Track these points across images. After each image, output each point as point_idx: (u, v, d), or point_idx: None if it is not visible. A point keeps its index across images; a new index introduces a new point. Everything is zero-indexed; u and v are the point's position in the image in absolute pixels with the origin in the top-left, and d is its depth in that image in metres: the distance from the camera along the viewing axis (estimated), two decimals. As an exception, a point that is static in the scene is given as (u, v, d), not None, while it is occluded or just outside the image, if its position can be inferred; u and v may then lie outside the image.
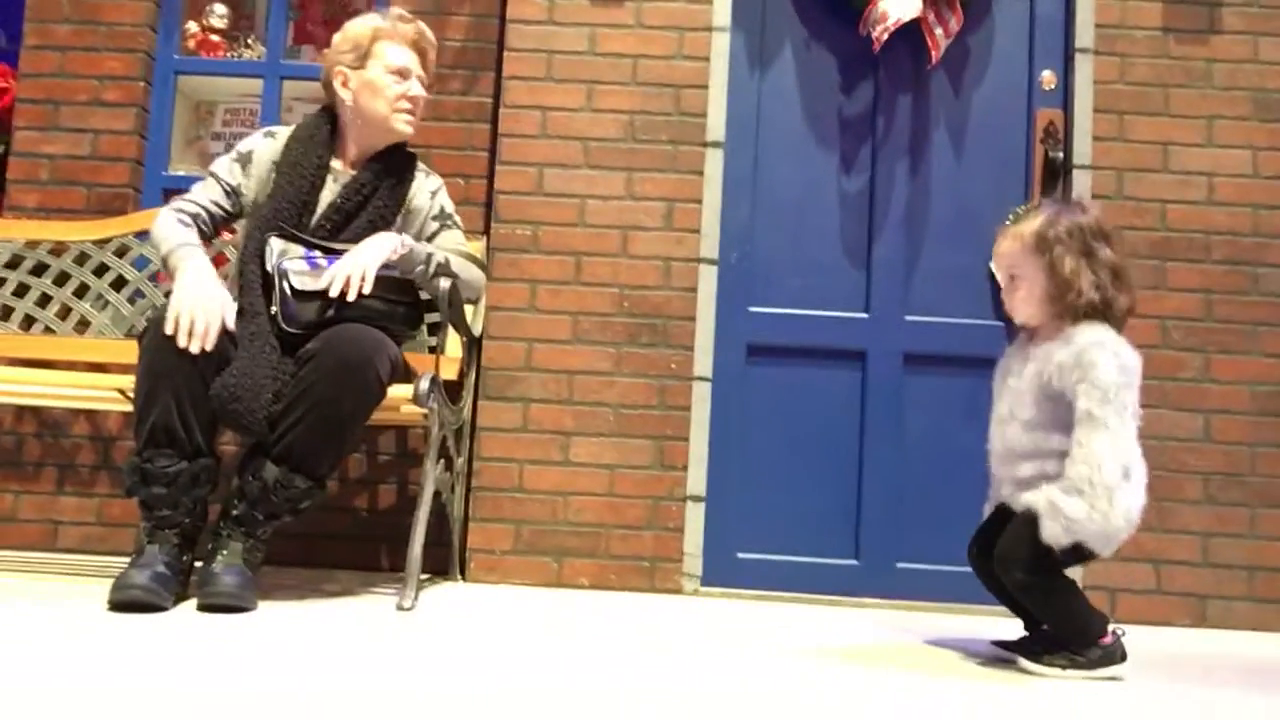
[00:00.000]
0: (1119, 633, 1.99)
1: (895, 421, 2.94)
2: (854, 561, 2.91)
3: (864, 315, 3.01)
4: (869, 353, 2.99)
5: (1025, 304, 2.03)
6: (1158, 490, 2.84)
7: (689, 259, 2.96)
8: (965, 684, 1.79)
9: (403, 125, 2.52)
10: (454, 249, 2.53)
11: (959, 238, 3.02)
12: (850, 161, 3.07)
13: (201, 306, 2.13)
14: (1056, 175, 2.98)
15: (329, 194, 2.44)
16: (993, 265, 2.10)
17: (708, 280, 2.96)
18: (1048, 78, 3.04)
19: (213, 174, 2.48)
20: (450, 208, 2.63)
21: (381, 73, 2.49)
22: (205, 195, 2.46)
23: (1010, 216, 2.88)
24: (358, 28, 2.53)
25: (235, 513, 2.18)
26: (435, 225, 2.57)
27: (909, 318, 2.98)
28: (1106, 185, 2.96)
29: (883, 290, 3.01)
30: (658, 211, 2.98)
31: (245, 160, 2.48)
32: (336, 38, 2.56)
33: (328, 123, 2.51)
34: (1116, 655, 1.96)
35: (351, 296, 2.24)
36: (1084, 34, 3.00)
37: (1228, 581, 2.85)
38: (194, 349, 2.10)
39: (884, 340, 2.98)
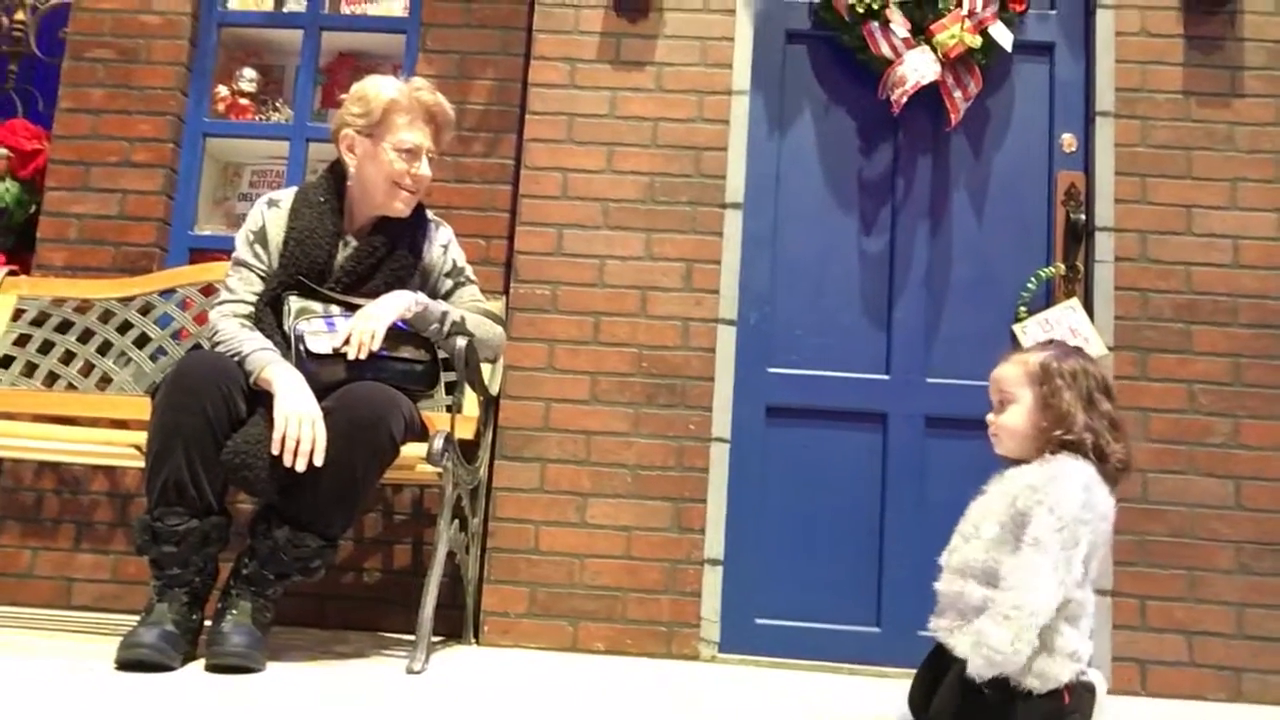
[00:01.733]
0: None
1: (917, 485, 2.89)
2: (875, 629, 2.85)
3: (885, 377, 2.98)
4: (890, 415, 2.95)
5: (1009, 432, 1.92)
6: (1188, 559, 2.80)
7: (708, 319, 2.95)
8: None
9: (400, 206, 2.44)
10: (471, 306, 2.53)
11: (980, 299, 3.00)
12: (870, 223, 3.07)
13: (307, 421, 2.12)
14: (1079, 238, 2.96)
15: (342, 256, 2.42)
16: (990, 389, 2.00)
17: (726, 341, 2.95)
18: (1068, 140, 3.04)
19: (242, 263, 2.41)
20: (462, 260, 2.61)
21: (389, 149, 2.40)
22: (248, 290, 2.39)
23: (1017, 328, 2.87)
24: (373, 91, 2.43)
25: (245, 572, 2.17)
26: (449, 283, 2.56)
27: (930, 380, 2.94)
28: (1130, 248, 2.93)
29: (904, 352, 2.98)
30: (677, 272, 2.98)
31: (261, 238, 2.42)
32: (351, 93, 2.49)
33: (333, 186, 2.46)
34: None
35: (361, 354, 2.23)
36: (1104, 97, 3.00)
37: (1263, 654, 2.76)
38: (300, 467, 2.09)
39: (905, 402, 2.95)
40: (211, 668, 2.04)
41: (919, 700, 1.94)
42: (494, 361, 2.79)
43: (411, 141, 2.41)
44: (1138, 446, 2.82)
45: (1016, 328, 2.94)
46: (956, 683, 1.78)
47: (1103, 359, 2.87)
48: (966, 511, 1.95)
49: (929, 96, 2.96)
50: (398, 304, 2.34)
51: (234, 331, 2.29)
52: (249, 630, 2.09)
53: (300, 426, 2.10)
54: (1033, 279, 2.95)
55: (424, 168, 2.45)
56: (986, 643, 1.70)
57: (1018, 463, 1.92)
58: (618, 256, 2.99)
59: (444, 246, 2.57)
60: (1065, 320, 2.91)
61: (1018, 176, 3.06)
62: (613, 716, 1.91)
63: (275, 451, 2.09)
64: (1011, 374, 1.94)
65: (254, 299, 2.38)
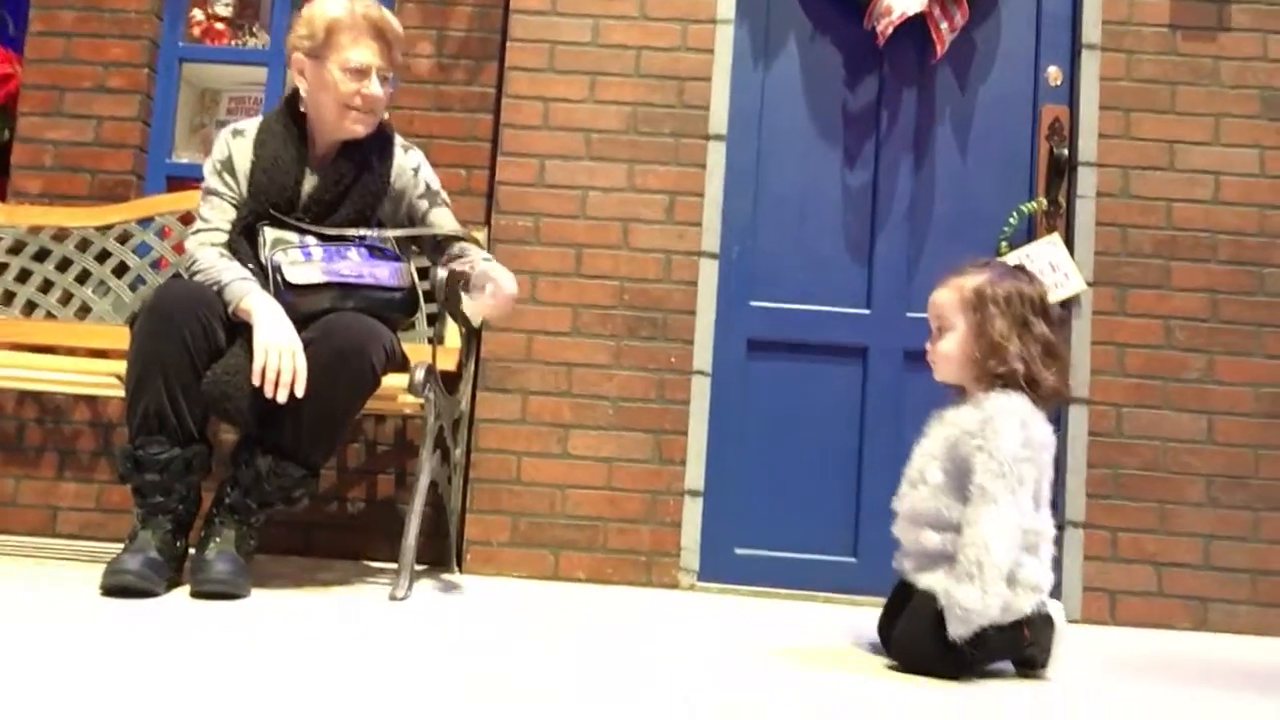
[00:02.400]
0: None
1: (895, 418, 2.92)
2: (852, 559, 2.90)
3: (866, 311, 2.99)
4: (870, 349, 2.97)
5: (945, 358, 1.93)
6: (1159, 492, 2.84)
7: (690, 252, 2.95)
8: (968, 688, 1.78)
9: (354, 127, 2.37)
10: (450, 228, 2.50)
11: (963, 234, 3.00)
12: (854, 156, 3.05)
13: (287, 352, 2.10)
14: (1061, 172, 2.96)
15: (309, 185, 2.38)
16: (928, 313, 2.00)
17: (708, 274, 2.95)
18: (1054, 73, 3.02)
19: (213, 191, 2.38)
20: (435, 183, 2.55)
21: (336, 70, 2.33)
22: (222, 218, 2.35)
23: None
24: (316, 11, 2.36)
25: (228, 500, 2.18)
26: (424, 205, 2.52)
27: (911, 314, 2.95)
28: (1111, 183, 2.93)
29: (885, 286, 2.99)
30: (659, 204, 2.97)
31: (229, 167, 2.38)
32: (299, 15, 2.41)
33: (293, 115, 2.41)
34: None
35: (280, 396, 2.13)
36: (1091, 30, 2.97)
37: (1230, 585, 2.83)
38: (282, 398, 2.08)
39: (885, 337, 2.96)
40: (196, 594, 2.06)
41: (887, 630, 1.98)
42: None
43: (358, 60, 2.33)
44: (1114, 381, 2.87)
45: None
46: (919, 612, 1.82)
47: (1083, 294, 2.89)
48: (911, 456, 1.97)
49: (915, 28, 2.93)
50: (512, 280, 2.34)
51: (212, 261, 2.27)
52: (233, 557, 2.12)
53: (280, 358, 2.09)
54: (1014, 214, 2.96)
55: (374, 86, 2.35)
56: (958, 603, 1.72)
57: (961, 391, 1.95)
58: (600, 188, 2.98)
59: (415, 169, 2.51)
60: (1046, 255, 2.92)
61: (1002, 110, 3.04)
62: (593, 641, 1.95)
63: (256, 383, 2.09)
64: (947, 300, 1.94)
65: (229, 227, 2.35)
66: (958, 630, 1.74)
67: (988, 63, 3.06)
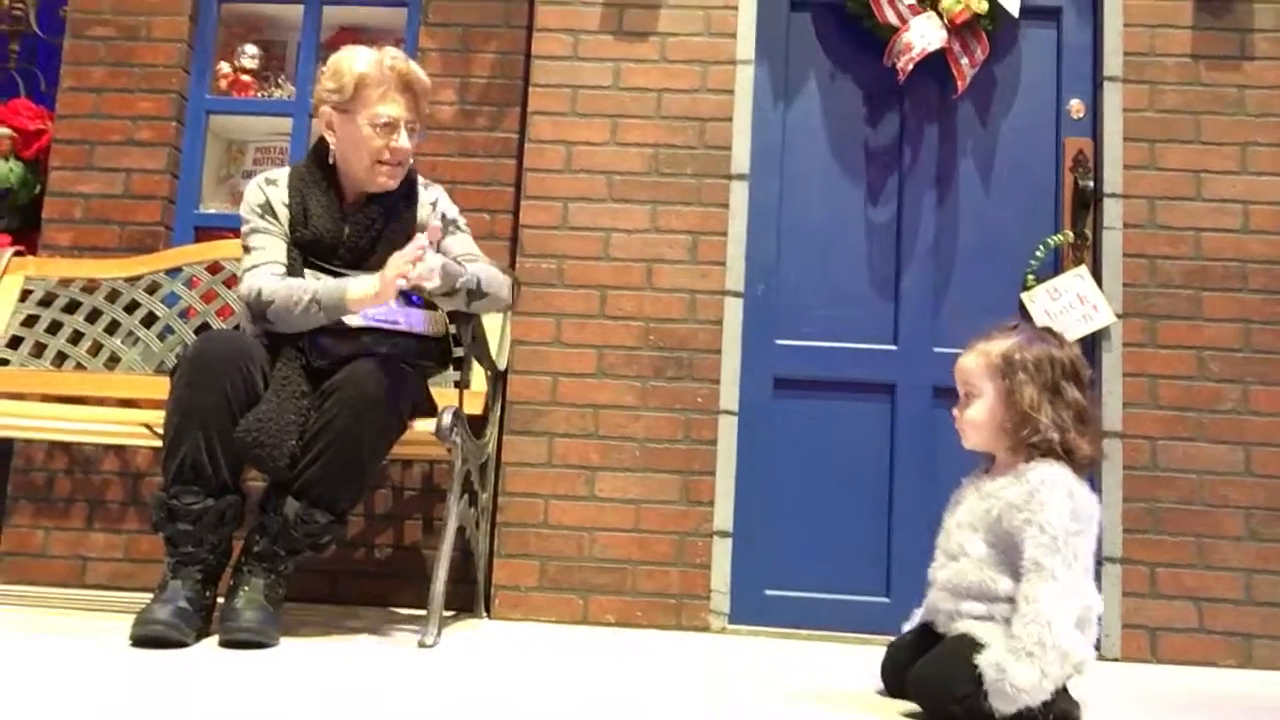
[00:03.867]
0: None
1: (926, 455, 2.89)
2: (885, 599, 2.86)
3: (893, 347, 2.97)
4: (898, 385, 2.95)
5: (974, 428, 1.90)
6: (1198, 525, 2.79)
7: (714, 292, 2.94)
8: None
9: (385, 181, 2.39)
10: (463, 254, 2.48)
11: (988, 268, 2.99)
12: (877, 192, 3.05)
13: (399, 272, 2.17)
14: (1087, 204, 2.94)
15: (342, 232, 2.40)
16: (956, 378, 1.96)
17: (733, 313, 2.94)
18: (1076, 106, 3.01)
19: (262, 231, 2.38)
20: (453, 213, 2.56)
21: (365, 125, 2.34)
22: (275, 252, 2.36)
23: (1024, 296, 2.86)
24: (345, 65, 2.37)
25: (257, 549, 2.18)
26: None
27: (938, 349, 2.93)
28: (1138, 214, 2.91)
29: (911, 322, 2.97)
30: (682, 244, 2.97)
31: (268, 209, 2.40)
32: (325, 67, 2.43)
33: (323, 164, 2.43)
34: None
35: (427, 279, 2.21)
36: (1112, 62, 2.97)
37: (1274, 620, 2.76)
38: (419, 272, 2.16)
39: (913, 373, 2.94)
40: (225, 643, 2.05)
41: (895, 669, 1.94)
42: (509, 309, 2.72)
43: (387, 115, 2.35)
44: (1147, 414, 2.83)
45: (1024, 296, 2.93)
46: (953, 656, 1.75)
47: (1112, 326, 2.86)
48: (945, 525, 1.94)
49: (935, 64, 2.93)
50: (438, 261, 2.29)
51: (287, 284, 2.27)
52: (262, 606, 2.11)
53: (402, 267, 2.17)
54: (1040, 247, 2.94)
55: (402, 139, 2.37)
56: (1012, 681, 1.64)
57: (990, 457, 1.92)
58: (623, 229, 2.98)
59: (432, 204, 2.52)
60: (1073, 288, 2.90)
61: (1025, 143, 3.04)
62: (625, 688, 1.92)
63: (410, 282, 2.16)
64: (974, 365, 1.90)
65: (284, 259, 2.35)
66: (1002, 707, 1.66)
67: (1009, 97, 3.05)
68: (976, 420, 1.89)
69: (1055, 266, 2.96)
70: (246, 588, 2.14)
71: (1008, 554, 1.78)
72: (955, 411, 1.95)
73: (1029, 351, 1.85)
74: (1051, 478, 1.76)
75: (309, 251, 2.37)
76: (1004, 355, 1.86)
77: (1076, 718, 1.80)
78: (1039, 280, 2.93)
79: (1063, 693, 1.75)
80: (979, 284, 2.98)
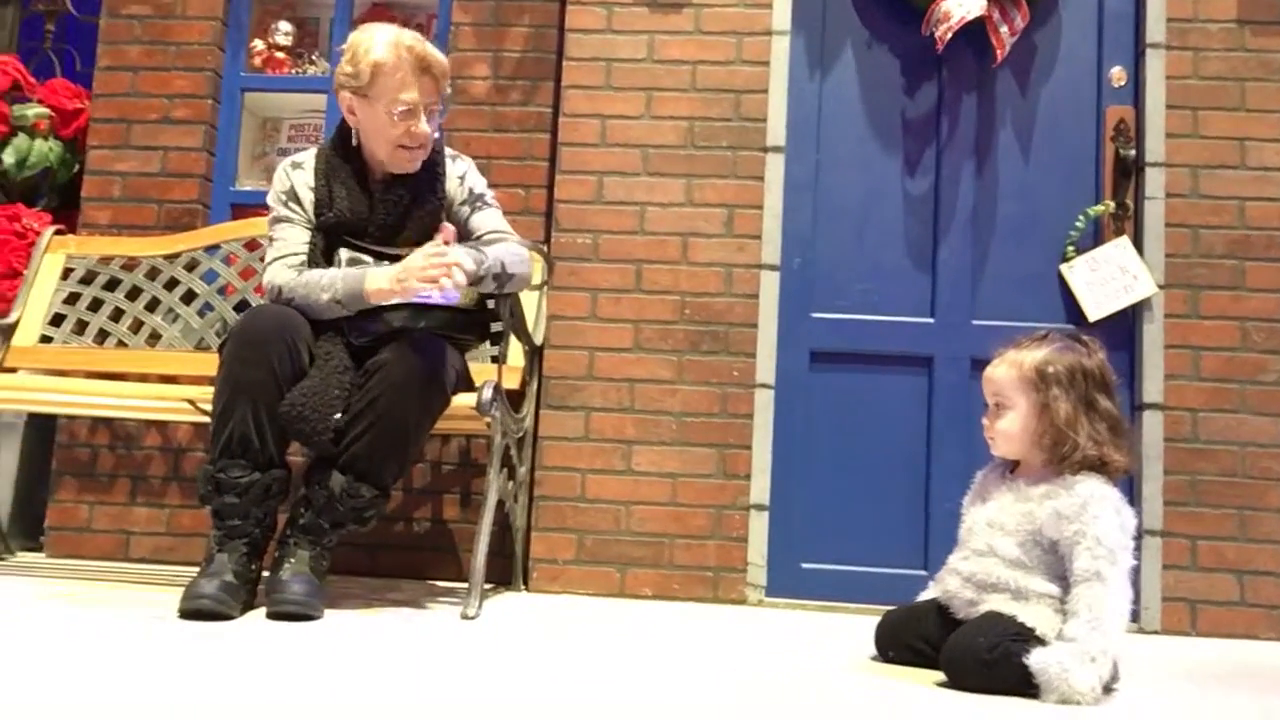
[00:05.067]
0: None
1: (964, 427, 2.87)
2: (923, 572, 2.84)
3: (930, 320, 2.95)
4: (935, 358, 2.93)
5: (1007, 438, 1.90)
6: (1240, 498, 2.77)
7: (750, 265, 2.94)
8: (1028, 707, 1.73)
9: (406, 165, 2.39)
10: (489, 233, 2.48)
11: (1027, 239, 2.96)
12: (914, 164, 3.02)
13: (424, 268, 2.20)
14: (1128, 174, 2.90)
15: (370, 210, 2.41)
16: (984, 388, 1.96)
17: (769, 286, 2.93)
18: (1117, 74, 2.97)
19: (284, 220, 2.41)
20: (480, 186, 2.55)
21: (384, 111, 2.33)
22: (296, 242, 2.38)
23: (1064, 267, 2.84)
24: (360, 51, 2.34)
25: (302, 521, 2.20)
26: (466, 210, 2.51)
27: (976, 322, 2.91)
28: (1181, 183, 2.87)
29: (949, 294, 2.95)
30: (718, 218, 2.96)
31: (293, 196, 2.41)
32: (344, 47, 2.40)
33: (347, 144, 2.42)
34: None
35: (448, 277, 2.23)
36: (1155, 28, 2.92)
37: (1316, 592, 2.74)
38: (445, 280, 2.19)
39: (951, 345, 2.92)
40: (272, 615, 2.08)
41: (899, 643, 1.98)
42: (534, 286, 2.73)
43: (406, 101, 2.33)
44: (1188, 386, 2.81)
45: (1064, 267, 2.90)
46: (989, 630, 1.77)
47: (1154, 297, 2.83)
48: (968, 519, 1.95)
49: (974, 32, 2.90)
50: (469, 255, 2.31)
51: (307, 277, 2.30)
52: (308, 579, 2.13)
53: (429, 268, 2.20)
54: (1081, 217, 2.91)
55: (422, 124, 2.35)
56: (1070, 683, 1.67)
57: (1012, 466, 1.94)
58: (658, 203, 2.97)
59: (460, 177, 2.52)
60: (1114, 259, 2.87)
61: (1065, 113, 3.00)
62: (661, 659, 1.94)
63: (430, 285, 2.19)
64: (1005, 377, 1.90)
65: (304, 249, 2.38)
66: (1051, 701, 1.69)
67: (1049, 65, 3.01)
68: (1010, 432, 1.90)
69: (1095, 237, 2.93)
70: (292, 560, 2.16)
71: (1046, 559, 1.82)
72: (985, 421, 1.96)
73: (1061, 364, 1.85)
74: (1101, 493, 1.79)
75: (338, 232, 2.38)
76: (1037, 369, 1.86)
77: (1113, 689, 1.80)
78: (1079, 251, 2.90)
79: None
80: (1018, 256, 2.96)
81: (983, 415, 1.97)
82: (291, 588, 2.10)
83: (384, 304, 2.26)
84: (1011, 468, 1.95)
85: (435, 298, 2.33)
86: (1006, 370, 1.90)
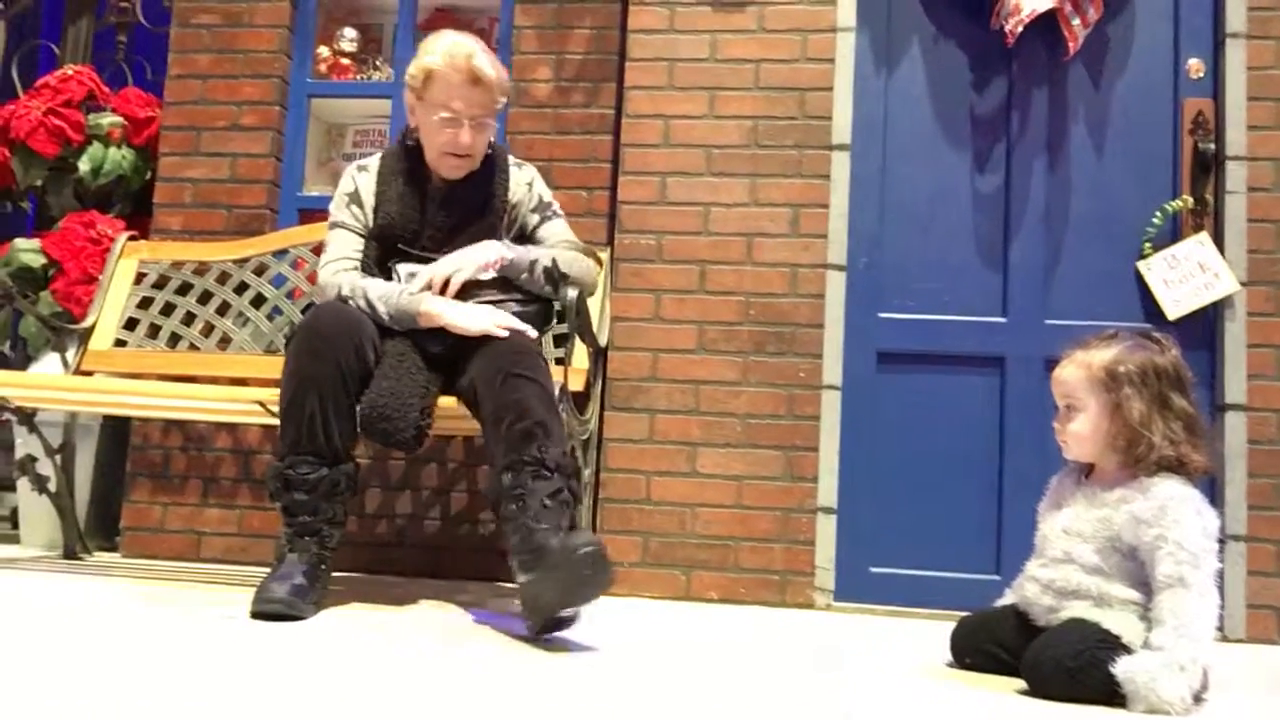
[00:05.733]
0: None
1: (1037, 429, 2.80)
2: (996, 577, 2.78)
3: (1001, 319, 2.89)
4: (1007, 358, 2.87)
5: (1080, 441, 1.85)
6: (1329, 501, 2.67)
7: (816, 265, 2.90)
8: (1116, 716, 1.68)
9: (449, 172, 2.42)
10: (560, 242, 2.50)
11: (1102, 236, 2.88)
12: (984, 160, 2.96)
13: (494, 318, 2.25)
14: (1208, 168, 2.82)
15: (430, 214, 2.43)
16: (1053, 389, 1.92)
17: (836, 286, 2.89)
18: (1195, 65, 2.88)
19: (341, 225, 2.45)
20: (548, 195, 2.57)
21: (431, 119, 2.37)
22: (350, 249, 2.42)
23: (1141, 265, 2.77)
24: (422, 54, 2.40)
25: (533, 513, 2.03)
26: (535, 219, 2.53)
27: (1049, 321, 2.84)
28: (1263, 177, 2.78)
29: (1021, 293, 2.89)
30: (783, 217, 2.92)
31: (356, 199, 2.45)
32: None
33: (413, 147, 2.46)
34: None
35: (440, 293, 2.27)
36: (1235, 17, 2.83)
37: None
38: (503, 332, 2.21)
39: (1023, 345, 2.86)
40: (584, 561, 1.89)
41: (973, 641, 1.94)
42: (591, 294, 2.72)
43: (450, 110, 2.35)
44: (1273, 386, 2.73)
45: (1141, 265, 2.83)
46: (1075, 639, 1.73)
47: (1235, 294, 2.74)
48: (1043, 527, 1.91)
49: (1045, 26, 2.83)
50: (482, 254, 2.35)
51: (366, 282, 2.33)
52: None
53: (496, 325, 2.22)
54: (1158, 213, 2.83)
55: (465, 135, 2.36)
56: (1160, 694, 1.62)
57: (1087, 471, 1.90)
58: (722, 203, 2.95)
59: (528, 184, 2.54)
60: (1193, 255, 2.79)
61: (1141, 106, 2.92)
62: (729, 663, 1.91)
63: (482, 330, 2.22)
64: (1075, 378, 1.86)
65: (358, 256, 2.42)
66: (1140, 711, 1.64)
67: (1123, 57, 2.94)
68: (1082, 434, 1.85)
69: (1174, 234, 2.85)
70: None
71: (1126, 564, 1.77)
72: (1056, 424, 1.91)
73: (1132, 362, 1.80)
74: (1181, 495, 1.74)
75: (392, 238, 2.40)
76: (1107, 368, 1.81)
77: (1203, 699, 1.74)
78: (1156, 249, 2.82)
79: None
80: (1092, 253, 2.88)
81: (1054, 419, 1.92)
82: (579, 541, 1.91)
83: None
84: (1086, 472, 1.91)
85: (501, 299, 2.34)
86: (1075, 371, 1.86)
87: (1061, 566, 1.82)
